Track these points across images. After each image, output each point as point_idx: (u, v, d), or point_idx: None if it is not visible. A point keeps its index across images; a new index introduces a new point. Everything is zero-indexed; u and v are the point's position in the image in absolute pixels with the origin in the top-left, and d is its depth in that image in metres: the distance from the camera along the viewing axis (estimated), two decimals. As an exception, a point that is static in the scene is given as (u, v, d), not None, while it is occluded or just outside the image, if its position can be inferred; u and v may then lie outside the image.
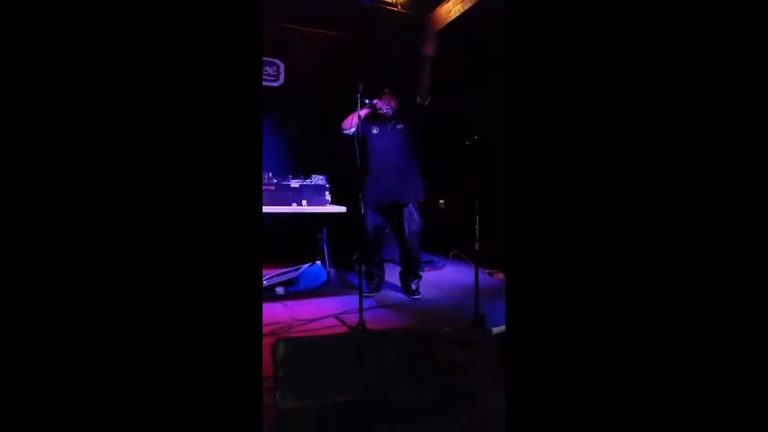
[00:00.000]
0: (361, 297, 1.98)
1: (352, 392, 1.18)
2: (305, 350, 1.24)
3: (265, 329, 1.94)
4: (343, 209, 2.89)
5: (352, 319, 2.06)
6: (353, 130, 2.44)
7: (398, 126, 2.54)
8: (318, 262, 2.78)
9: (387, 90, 2.56)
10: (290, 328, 2.00)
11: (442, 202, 3.78)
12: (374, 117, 2.53)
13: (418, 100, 2.46)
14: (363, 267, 2.40)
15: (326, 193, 2.90)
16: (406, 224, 2.51)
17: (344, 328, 2.01)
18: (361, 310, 1.95)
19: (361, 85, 2.10)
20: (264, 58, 3.68)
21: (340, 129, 2.58)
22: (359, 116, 2.18)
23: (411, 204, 2.53)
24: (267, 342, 1.77)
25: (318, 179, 2.89)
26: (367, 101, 2.42)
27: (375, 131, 2.56)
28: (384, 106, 2.51)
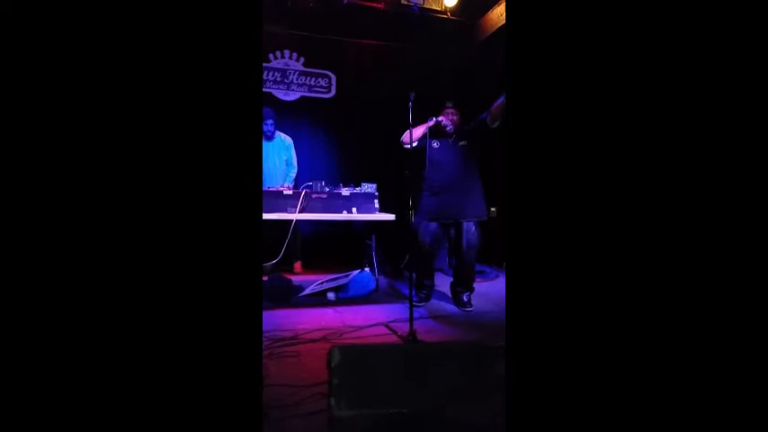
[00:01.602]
0: (411, 307, 1.94)
1: (406, 404, 1.15)
2: (359, 358, 1.23)
3: (317, 334, 1.96)
4: (391, 217, 2.88)
5: (403, 328, 2.02)
6: (415, 145, 2.41)
7: (461, 143, 2.48)
8: (367, 269, 2.79)
9: (449, 105, 2.51)
10: (341, 334, 2.00)
11: (494, 210, 3.65)
12: (435, 131, 2.50)
13: (488, 123, 2.39)
14: (414, 277, 2.37)
15: (376, 201, 2.92)
16: (464, 239, 2.44)
17: (394, 338, 1.98)
18: (411, 320, 1.91)
19: (413, 94, 2.09)
20: (316, 70, 3.81)
21: (399, 142, 2.56)
22: (424, 133, 2.15)
23: (471, 221, 2.46)
24: (320, 347, 1.79)
25: (368, 187, 2.92)
26: (433, 118, 2.41)
27: (435, 145, 2.51)
28: (449, 123, 2.48)
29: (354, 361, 1.20)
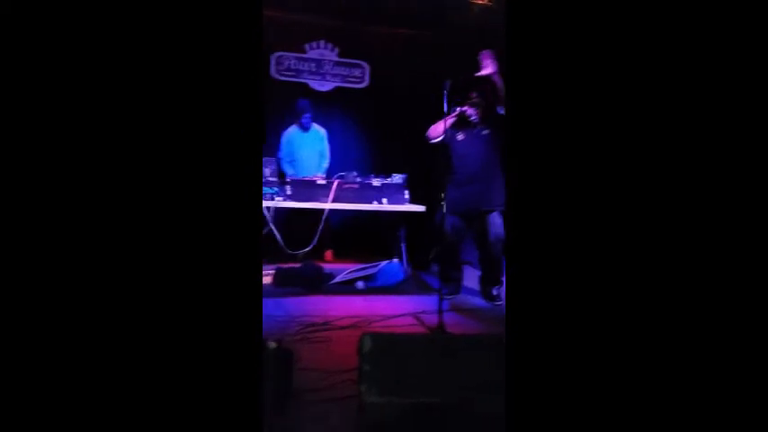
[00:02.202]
0: (441, 299, 1.94)
1: (435, 395, 1.16)
2: (390, 346, 1.25)
3: (346, 321, 2.00)
4: (421, 208, 2.87)
5: (431, 320, 2.03)
6: (440, 139, 2.40)
7: (484, 132, 2.45)
8: (396, 260, 2.81)
9: (474, 95, 2.47)
10: (370, 322, 2.04)
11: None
12: (460, 122, 2.47)
13: (499, 110, 2.35)
14: (441, 269, 2.36)
15: (406, 191, 2.92)
16: (490, 230, 2.41)
17: (423, 329, 1.99)
18: (440, 311, 1.92)
19: (449, 83, 2.06)
20: (350, 60, 3.82)
21: (426, 137, 2.54)
22: (445, 124, 2.14)
23: (496, 211, 2.42)
24: (349, 334, 1.84)
25: (398, 178, 2.92)
26: (457, 108, 2.37)
27: (460, 137, 2.48)
28: (473, 113, 2.43)
29: (385, 349, 1.22)
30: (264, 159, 2.83)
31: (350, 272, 2.72)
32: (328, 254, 3.37)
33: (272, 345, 1.17)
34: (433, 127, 2.50)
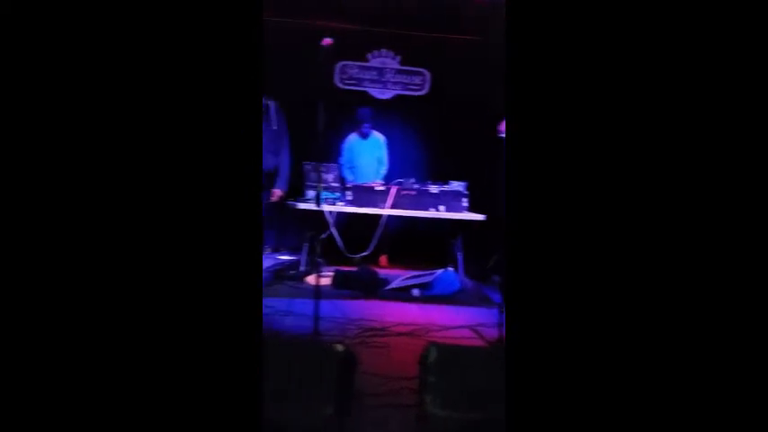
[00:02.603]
0: (501, 312, 1.88)
1: (497, 412, 1.12)
2: (454, 358, 1.23)
3: (404, 329, 2.01)
4: (481, 217, 2.81)
5: (490, 333, 1.97)
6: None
7: None
8: (451, 268, 2.77)
9: None
10: (428, 331, 2.02)
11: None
12: None
13: None
14: (502, 280, 2.28)
15: (464, 199, 2.87)
16: None
17: (481, 342, 1.94)
18: (501, 325, 1.85)
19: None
20: (411, 68, 3.85)
21: (496, 130, 2.47)
22: None
23: None
24: (407, 341, 1.84)
25: (457, 185, 2.88)
26: None
27: None
28: None
29: (449, 360, 1.21)
30: (327, 165, 2.94)
31: (405, 278, 2.73)
32: (383, 259, 3.41)
33: (340, 347, 1.21)
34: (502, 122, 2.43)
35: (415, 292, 2.63)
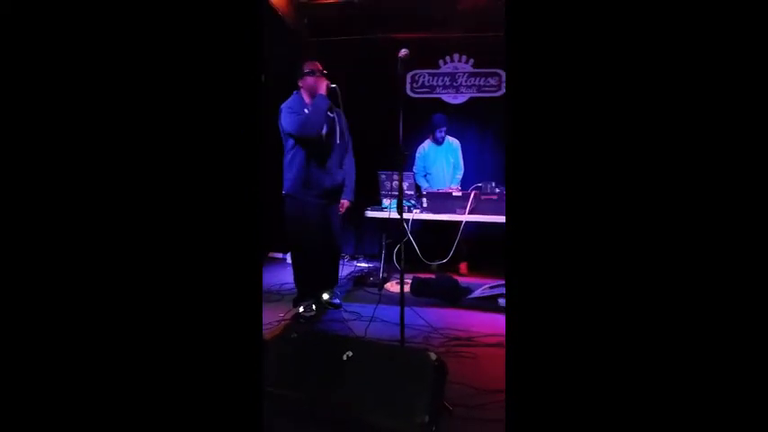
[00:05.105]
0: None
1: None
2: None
3: (492, 339, 1.90)
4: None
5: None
6: None
7: None
8: (540, 277, 2.57)
9: None
10: (517, 343, 1.89)
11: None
12: None
13: None
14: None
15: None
16: None
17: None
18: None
19: None
20: (485, 70, 3.74)
21: None
22: None
23: None
24: (495, 352, 1.73)
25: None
26: None
27: None
28: None
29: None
30: (402, 174, 2.95)
31: (490, 287, 2.60)
32: (463, 266, 3.30)
33: (433, 356, 1.17)
34: None
35: (501, 301, 2.49)
